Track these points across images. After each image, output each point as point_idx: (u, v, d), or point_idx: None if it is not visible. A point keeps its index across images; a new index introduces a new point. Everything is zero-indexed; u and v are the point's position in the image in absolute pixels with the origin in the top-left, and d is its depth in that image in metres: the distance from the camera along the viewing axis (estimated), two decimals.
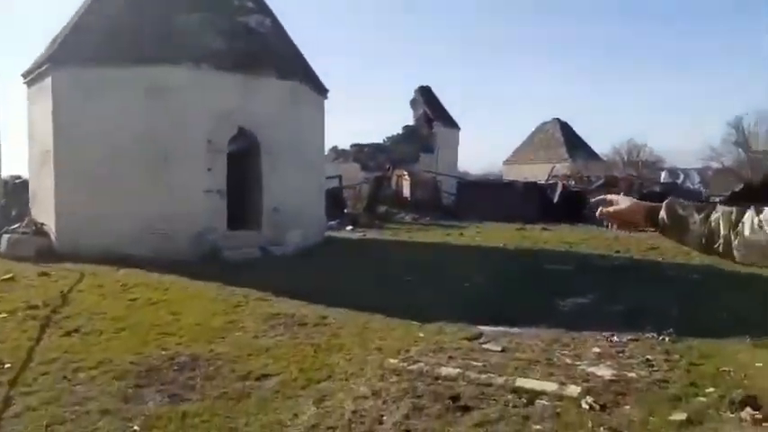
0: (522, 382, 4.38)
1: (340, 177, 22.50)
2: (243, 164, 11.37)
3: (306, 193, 12.41)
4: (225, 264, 9.82)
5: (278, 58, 11.96)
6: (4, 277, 8.03)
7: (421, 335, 5.70)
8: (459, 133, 31.65)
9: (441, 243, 14.11)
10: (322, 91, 13.77)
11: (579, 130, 43.03)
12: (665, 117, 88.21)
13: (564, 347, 5.41)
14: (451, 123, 30.66)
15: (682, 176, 24.99)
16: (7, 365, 4.58)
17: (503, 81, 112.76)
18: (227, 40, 11.09)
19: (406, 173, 27.18)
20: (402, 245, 13.97)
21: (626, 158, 33.83)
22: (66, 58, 10.55)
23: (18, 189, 14.80)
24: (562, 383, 4.41)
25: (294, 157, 11.75)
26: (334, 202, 18.35)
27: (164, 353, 5.00)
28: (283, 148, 11.51)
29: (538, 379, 4.48)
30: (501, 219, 19.01)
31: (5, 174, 17.85)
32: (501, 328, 5.95)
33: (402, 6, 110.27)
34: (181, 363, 4.76)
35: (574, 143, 39.97)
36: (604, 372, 4.77)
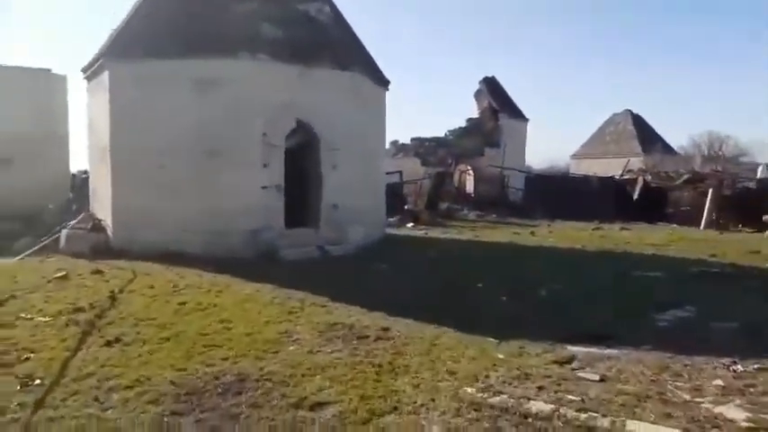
0: (633, 426, 3.54)
1: (400, 173, 21.83)
2: (300, 159, 10.81)
3: (366, 190, 11.75)
4: (281, 263, 9.37)
5: (337, 48, 11.32)
6: (57, 275, 7.75)
7: (500, 356, 4.88)
8: (528, 125, 30.19)
9: (510, 243, 13.12)
10: (383, 82, 13.05)
11: (653, 122, 40.66)
12: (747, 106, 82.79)
13: (677, 377, 4.49)
14: (518, 115, 29.21)
15: None
16: (37, 381, 4.12)
17: (569, 71, 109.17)
18: (285, 29, 10.53)
19: (469, 168, 26.19)
20: (468, 244, 13.08)
21: (706, 152, 31.31)
22: (120, 52, 10.31)
23: (84, 184, 14.88)
24: (686, 429, 3.53)
25: (354, 151, 11.10)
26: (395, 198, 17.67)
27: (208, 370, 4.43)
28: (343, 141, 10.87)
29: (654, 422, 3.62)
30: (573, 216, 17.84)
31: (73, 168, 18.25)
32: (595, 350, 5.07)
33: None
34: (226, 383, 4.17)
35: (647, 136, 37.72)
36: (735, 414, 3.84)
